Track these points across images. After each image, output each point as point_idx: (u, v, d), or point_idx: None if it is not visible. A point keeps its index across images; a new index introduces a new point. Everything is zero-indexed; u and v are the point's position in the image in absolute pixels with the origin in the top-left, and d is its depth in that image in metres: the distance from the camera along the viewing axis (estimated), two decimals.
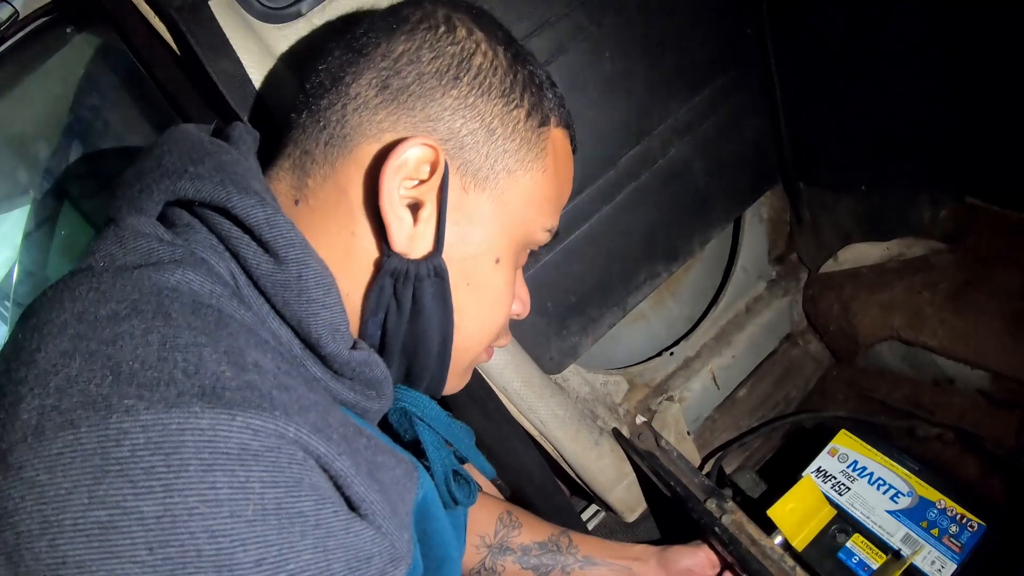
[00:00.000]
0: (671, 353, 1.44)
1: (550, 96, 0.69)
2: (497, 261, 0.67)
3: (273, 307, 0.56)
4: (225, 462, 0.42)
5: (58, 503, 0.40)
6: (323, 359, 0.58)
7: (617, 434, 1.28)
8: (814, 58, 1.27)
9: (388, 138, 0.61)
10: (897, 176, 1.31)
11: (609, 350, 1.47)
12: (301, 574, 0.44)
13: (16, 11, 1.07)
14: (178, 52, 0.89)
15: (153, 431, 0.42)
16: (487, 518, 1.07)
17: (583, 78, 1.16)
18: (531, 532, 1.07)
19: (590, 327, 1.28)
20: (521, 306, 0.77)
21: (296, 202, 0.63)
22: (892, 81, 1.20)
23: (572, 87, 1.15)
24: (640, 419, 1.32)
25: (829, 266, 1.47)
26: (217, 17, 0.84)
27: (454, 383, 0.74)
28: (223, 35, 0.84)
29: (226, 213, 0.56)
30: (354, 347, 0.60)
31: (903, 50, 1.14)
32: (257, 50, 0.88)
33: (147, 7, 0.86)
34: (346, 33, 0.67)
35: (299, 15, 0.92)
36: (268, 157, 0.69)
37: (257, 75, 0.87)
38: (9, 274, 1.29)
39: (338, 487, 0.49)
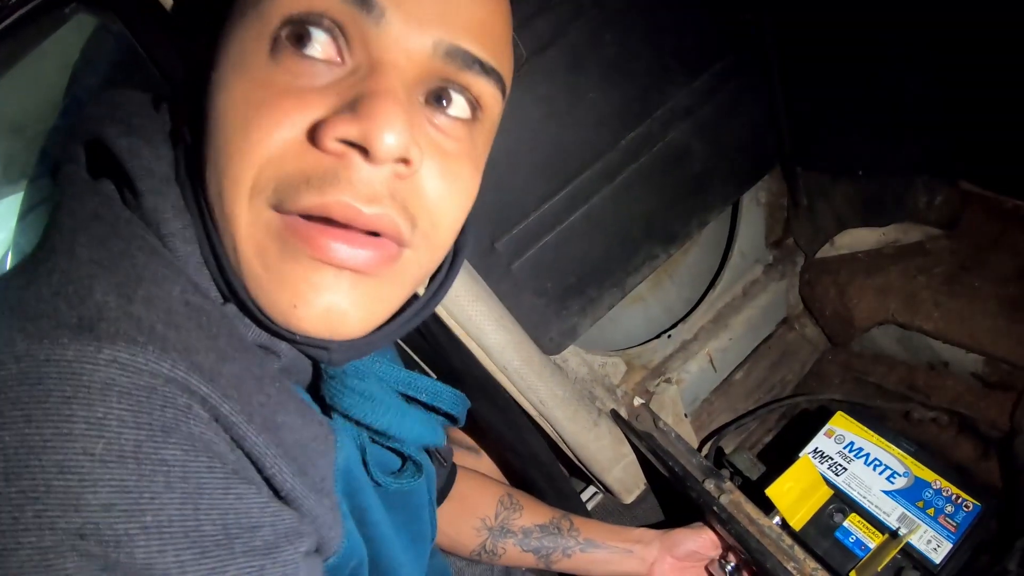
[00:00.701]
0: (669, 336, 1.45)
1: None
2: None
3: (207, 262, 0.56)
4: (85, 396, 0.41)
5: None
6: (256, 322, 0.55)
7: (615, 415, 1.28)
8: (812, 42, 1.28)
9: None
10: (893, 162, 1.32)
11: (608, 332, 1.48)
12: (157, 530, 0.41)
13: None
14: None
15: (24, 362, 0.41)
16: (488, 500, 1.07)
17: (584, 60, 1.16)
18: (532, 515, 1.07)
19: (589, 308, 1.29)
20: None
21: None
22: (889, 66, 1.21)
23: (573, 69, 1.15)
24: (638, 400, 1.32)
25: (825, 251, 1.48)
26: None
27: None
28: None
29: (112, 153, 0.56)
30: None
31: (900, 36, 1.15)
32: None
33: None
34: None
35: None
36: None
37: None
38: (4, 256, 1.28)
39: (233, 439, 0.47)
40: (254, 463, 0.48)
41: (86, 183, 0.55)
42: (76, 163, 0.57)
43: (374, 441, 0.70)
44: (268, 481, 0.49)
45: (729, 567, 1.09)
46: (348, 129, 0.48)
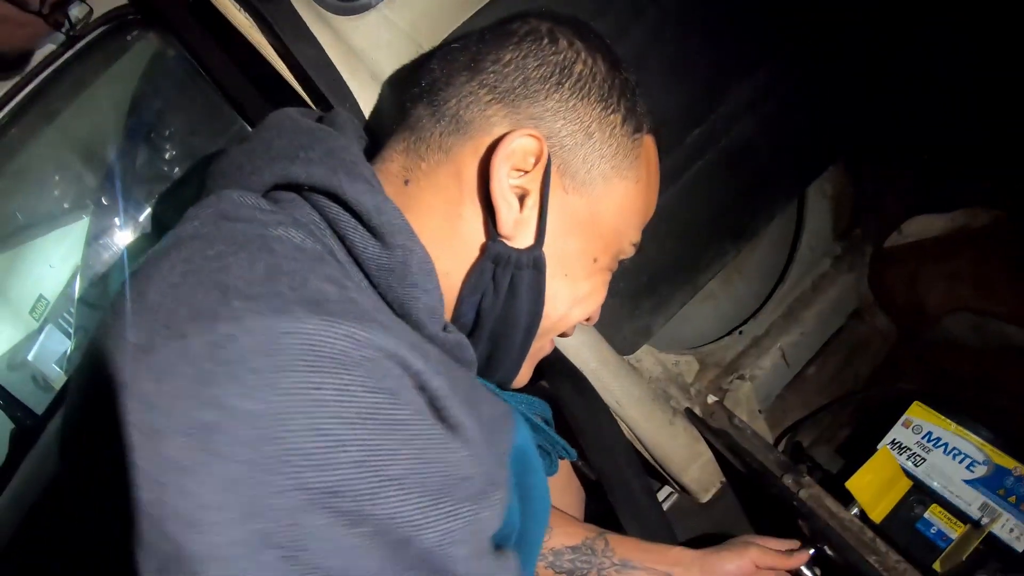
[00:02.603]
0: (740, 332, 1.46)
1: (642, 104, 0.73)
2: (595, 260, 0.72)
3: (374, 286, 0.61)
4: (329, 365, 0.45)
5: (163, 409, 0.42)
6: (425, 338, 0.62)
7: (690, 414, 1.31)
8: (872, 29, 1.27)
9: (497, 131, 0.65)
10: (958, 146, 1.31)
11: (680, 330, 1.50)
12: (398, 482, 0.46)
13: (91, 9, 1.10)
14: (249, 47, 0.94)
15: (260, 335, 0.44)
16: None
17: (646, 60, 1.17)
18: (564, 535, 1.03)
19: (661, 307, 1.31)
20: (597, 313, 0.79)
21: (406, 182, 0.68)
22: (949, 50, 1.20)
23: (635, 69, 1.16)
24: (712, 398, 1.35)
25: (893, 240, 1.48)
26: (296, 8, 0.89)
27: (525, 372, 0.78)
28: (304, 24, 0.89)
29: (335, 198, 0.60)
30: (446, 329, 0.65)
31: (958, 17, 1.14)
32: (333, 41, 0.93)
33: (226, 2, 0.91)
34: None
35: (369, 7, 0.96)
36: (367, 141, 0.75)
37: (339, 63, 0.92)
38: (73, 279, 1.34)
39: (435, 409, 0.52)
40: (455, 429, 0.53)
41: (315, 224, 0.61)
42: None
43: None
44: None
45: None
46: None
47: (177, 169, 1.31)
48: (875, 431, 1.23)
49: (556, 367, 1.14)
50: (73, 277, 1.34)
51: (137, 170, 1.29)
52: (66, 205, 1.31)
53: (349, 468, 0.44)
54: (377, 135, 0.75)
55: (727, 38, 1.25)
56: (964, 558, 1.01)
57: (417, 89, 0.72)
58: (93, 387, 0.46)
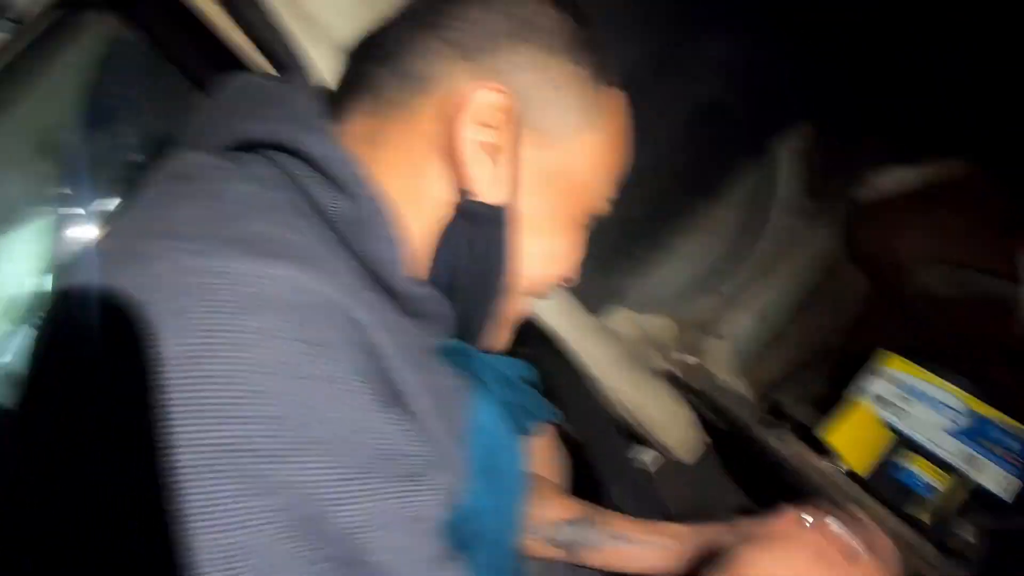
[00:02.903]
0: (717, 292, 1.45)
1: (610, 58, 0.71)
2: (569, 217, 0.69)
3: (339, 238, 0.57)
4: (257, 308, 0.42)
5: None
6: (392, 295, 0.59)
7: (670, 376, 1.30)
8: None
9: (463, 88, 0.62)
10: (931, 100, 1.30)
11: (656, 292, 1.47)
12: (319, 446, 0.42)
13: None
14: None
15: (191, 275, 0.42)
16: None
17: (613, 16, 1.13)
18: (562, 509, 1.03)
19: (635, 268, 1.29)
20: (576, 272, 0.78)
21: (369, 142, 0.65)
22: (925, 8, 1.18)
23: (603, 24, 1.13)
24: (691, 359, 1.34)
25: (867, 195, 1.47)
26: None
27: (503, 334, 0.75)
28: None
29: (296, 153, 0.58)
30: (415, 283, 0.62)
31: None
32: (288, 8, 0.89)
33: None
34: None
35: None
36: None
37: (296, 31, 0.88)
38: (43, 275, 1.29)
39: (381, 370, 0.48)
40: (399, 397, 0.50)
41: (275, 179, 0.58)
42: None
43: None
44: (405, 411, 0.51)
45: None
46: None
47: (143, 155, 1.26)
48: (856, 385, 1.22)
49: (533, 332, 1.12)
50: (43, 272, 1.28)
51: (101, 158, 1.24)
52: (29, 200, 1.26)
53: (260, 423, 0.40)
54: (339, 100, 0.71)
55: None
56: (951, 509, 1.00)
57: (378, 50, 0.69)
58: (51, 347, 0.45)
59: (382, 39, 0.69)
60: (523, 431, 0.76)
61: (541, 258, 0.69)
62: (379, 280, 0.58)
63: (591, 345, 1.18)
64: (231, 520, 0.39)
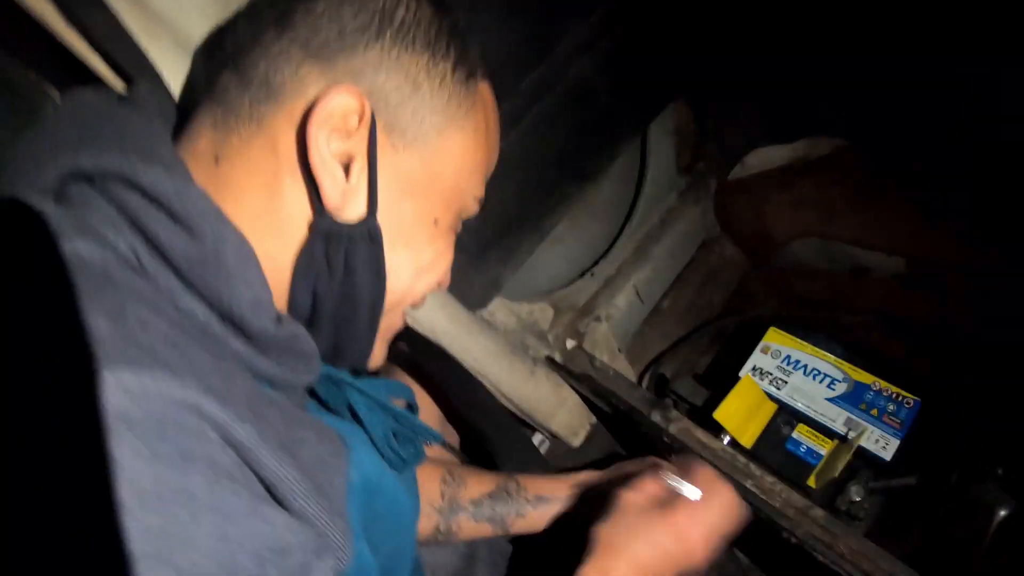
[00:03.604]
0: (592, 274, 1.41)
1: (474, 48, 0.66)
2: (435, 222, 0.64)
3: (186, 285, 0.51)
4: (94, 432, 0.36)
5: None
6: (247, 337, 0.53)
7: (551, 361, 1.25)
8: None
9: (313, 93, 0.56)
10: (797, 78, 1.31)
11: (530, 278, 1.43)
12: (196, 568, 0.37)
13: None
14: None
15: (16, 400, 0.36)
16: (429, 483, 1.02)
17: (475, 2, 1.09)
18: (478, 485, 1.03)
19: (509, 257, 1.24)
20: (447, 277, 0.73)
21: (217, 160, 0.58)
22: None
23: (469, 10, 1.08)
24: (570, 343, 1.29)
25: (737, 172, 1.48)
26: None
27: (379, 352, 0.70)
28: None
29: (131, 185, 0.50)
30: (279, 321, 0.56)
31: None
32: (129, 6, 0.77)
33: None
34: None
35: None
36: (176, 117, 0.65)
37: (138, 30, 0.77)
38: None
39: (247, 463, 0.44)
40: (267, 487, 0.45)
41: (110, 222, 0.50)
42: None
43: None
44: (280, 503, 0.46)
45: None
46: None
47: None
48: (734, 358, 1.22)
49: (410, 333, 1.06)
50: None
51: None
52: None
53: (133, 563, 0.35)
54: (187, 111, 0.64)
55: None
56: (837, 473, 1.00)
57: (222, 54, 0.62)
58: None
59: (227, 40, 0.62)
60: (404, 461, 0.72)
61: (409, 271, 0.64)
62: (237, 327, 0.52)
63: (468, 339, 1.12)
64: None
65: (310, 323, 0.62)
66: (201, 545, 0.38)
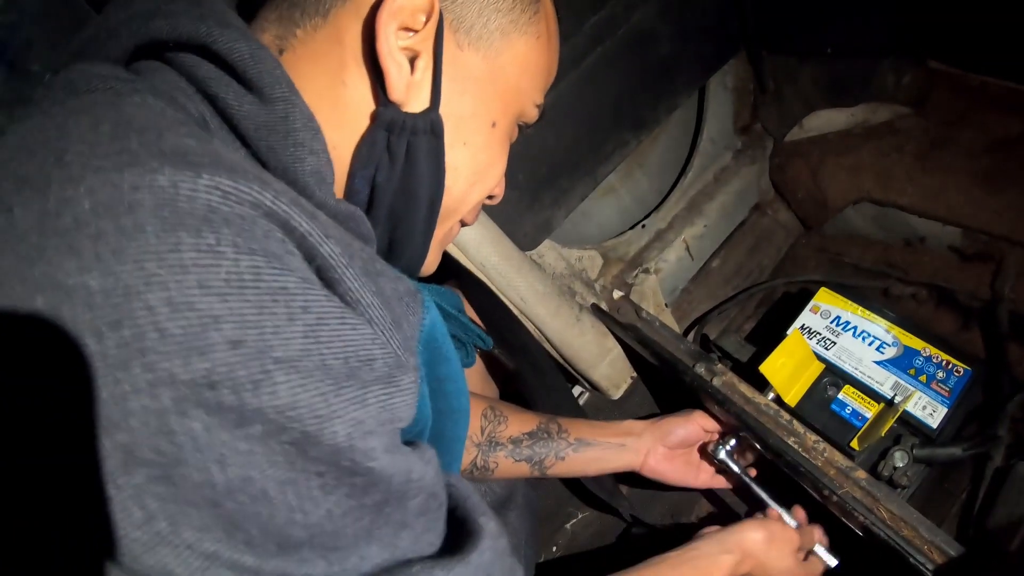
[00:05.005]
0: (643, 226, 1.42)
1: None
2: (494, 125, 0.65)
3: (253, 153, 0.51)
4: (190, 223, 0.36)
5: None
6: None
7: (596, 310, 1.25)
8: None
9: None
10: (860, 42, 1.29)
11: (582, 225, 1.44)
12: (289, 366, 0.38)
13: None
14: None
15: (101, 193, 0.35)
16: (470, 416, 1.04)
17: None
18: (519, 423, 1.03)
19: (562, 200, 1.24)
20: (501, 186, 0.73)
21: (281, 52, 0.59)
22: None
23: None
24: (618, 293, 1.30)
25: (795, 134, 1.46)
26: None
27: (432, 258, 0.71)
28: None
29: (204, 51, 0.51)
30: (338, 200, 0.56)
31: None
32: None
33: None
34: None
35: None
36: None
37: None
38: None
39: (326, 280, 0.44)
40: (352, 307, 0.45)
41: (181, 89, 0.51)
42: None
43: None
44: None
45: (727, 448, 1.08)
46: None
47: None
48: (780, 322, 1.21)
49: (459, 265, 1.07)
50: None
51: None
52: None
53: (224, 351, 0.35)
54: (250, 5, 0.64)
55: None
56: (880, 435, 1.00)
57: None
58: None
59: None
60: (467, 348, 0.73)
61: (467, 171, 0.64)
62: (301, 195, 0.52)
63: (516, 276, 1.13)
64: (208, 459, 0.36)
65: (367, 215, 0.62)
66: (296, 342, 0.38)
